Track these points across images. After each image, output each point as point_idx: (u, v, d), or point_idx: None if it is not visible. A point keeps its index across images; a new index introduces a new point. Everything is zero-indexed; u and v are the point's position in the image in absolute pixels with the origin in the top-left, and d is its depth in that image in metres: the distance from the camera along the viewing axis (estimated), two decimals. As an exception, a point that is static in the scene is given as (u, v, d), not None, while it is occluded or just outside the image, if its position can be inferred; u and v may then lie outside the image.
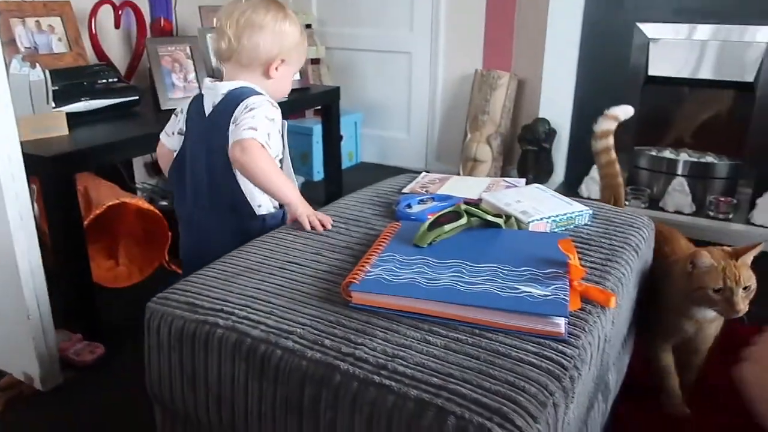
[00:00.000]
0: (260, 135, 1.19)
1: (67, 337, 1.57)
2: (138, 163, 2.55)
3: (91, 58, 2.20)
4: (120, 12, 2.24)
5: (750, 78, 2.35)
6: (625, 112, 1.55)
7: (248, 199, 1.26)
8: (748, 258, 1.13)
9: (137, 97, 1.92)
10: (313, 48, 3.03)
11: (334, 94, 2.45)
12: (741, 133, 2.47)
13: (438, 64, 3.01)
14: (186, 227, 1.37)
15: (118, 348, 1.59)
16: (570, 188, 2.68)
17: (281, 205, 1.30)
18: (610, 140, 1.54)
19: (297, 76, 1.45)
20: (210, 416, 0.90)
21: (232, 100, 1.23)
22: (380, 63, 3.16)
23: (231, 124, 1.21)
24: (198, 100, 1.29)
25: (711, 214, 2.41)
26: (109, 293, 1.85)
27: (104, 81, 1.87)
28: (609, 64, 2.59)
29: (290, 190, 1.24)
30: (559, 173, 2.81)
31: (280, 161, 1.30)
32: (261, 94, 1.26)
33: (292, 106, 2.36)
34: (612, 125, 1.54)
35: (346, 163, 3.20)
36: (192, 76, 2.06)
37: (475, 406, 0.69)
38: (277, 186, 1.22)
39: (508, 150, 2.95)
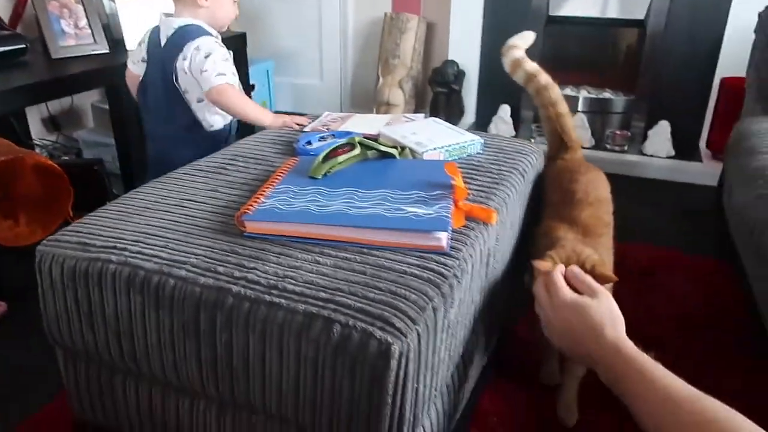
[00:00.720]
0: (229, 77, 1.45)
1: (-34, 297, 1.51)
2: (34, 119, 2.42)
3: (-30, 5, 2.04)
4: (-2, -46, 2.08)
5: (641, 16, 2.47)
6: (522, 38, 1.44)
7: (201, 120, 1.52)
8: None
9: (24, 46, 1.81)
10: (218, -7, 2.92)
11: (239, 40, 2.39)
12: (634, 70, 2.61)
13: (347, 8, 2.98)
14: (150, 142, 1.63)
15: (22, 304, 1.55)
16: (481, 128, 2.77)
17: (231, 123, 1.59)
18: (528, 67, 1.38)
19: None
20: (111, 351, 0.91)
21: (180, 38, 1.44)
22: (289, 8, 3.09)
23: (181, 59, 1.43)
24: (156, 31, 1.50)
25: (608, 147, 2.56)
26: (12, 253, 1.79)
27: (-16, 29, 1.76)
28: (512, 6, 2.65)
29: (264, 115, 1.51)
30: (470, 114, 2.88)
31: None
32: (207, 32, 1.47)
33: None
34: (517, 53, 1.40)
35: (260, 113, 3.16)
36: (84, 22, 1.95)
37: (360, 314, 0.74)
38: (254, 117, 1.50)
39: (420, 93, 2.99)
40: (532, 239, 1.17)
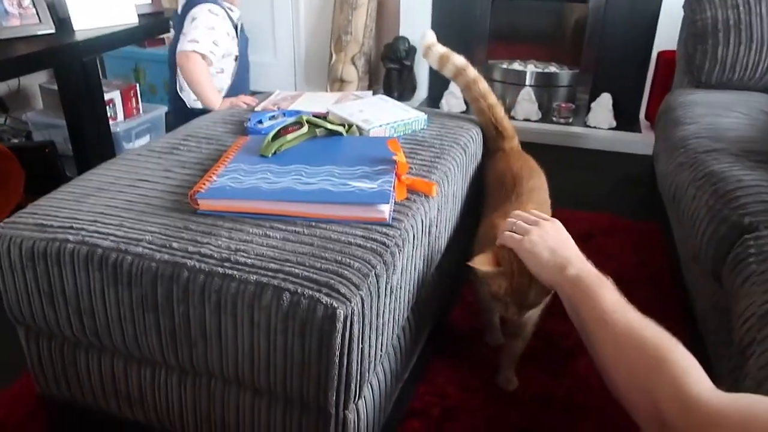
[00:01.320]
0: (202, 46, 1.51)
1: None
2: (-20, 101, 2.37)
3: None
4: (-68, -69, 2.01)
5: (582, -9, 2.56)
6: (432, 35, 1.45)
7: (189, 96, 1.65)
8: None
9: (-35, 27, 1.78)
10: (165, -31, 2.88)
11: (189, 18, 2.38)
12: (578, 44, 2.71)
13: (298, -17, 2.98)
14: None
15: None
16: (433, 103, 2.83)
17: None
18: (457, 61, 1.40)
19: None
20: (73, 328, 0.95)
21: (187, 6, 1.54)
22: (239, -16, 3.07)
23: (186, 27, 1.52)
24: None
25: (554, 119, 2.66)
26: (-37, 237, 1.78)
27: None
28: (461, -19, 2.71)
29: (215, 100, 1.57)
30: (422, 89, 2.94)
31: (235, 59, 1.62)
32: (211, 1, 1.52)
33: (143, 33, 2.27)
34: (441, 49, 1.41)
35: (214, 91, 3.15)
36: (28, 1, 1.92)
37: (308, 282, 0.80)
38: (205, 96, 1.58)
39: (373, 69, 3.03)
40: (474, 237, 1.19)
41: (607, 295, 0.80)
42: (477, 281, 1.13)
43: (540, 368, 1.28)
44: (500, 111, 1.40)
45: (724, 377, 1.01)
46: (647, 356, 0.69)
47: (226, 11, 1.58)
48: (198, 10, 1.51)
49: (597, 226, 1.83)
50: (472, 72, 1.39)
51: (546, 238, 0.92)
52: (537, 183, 1.26)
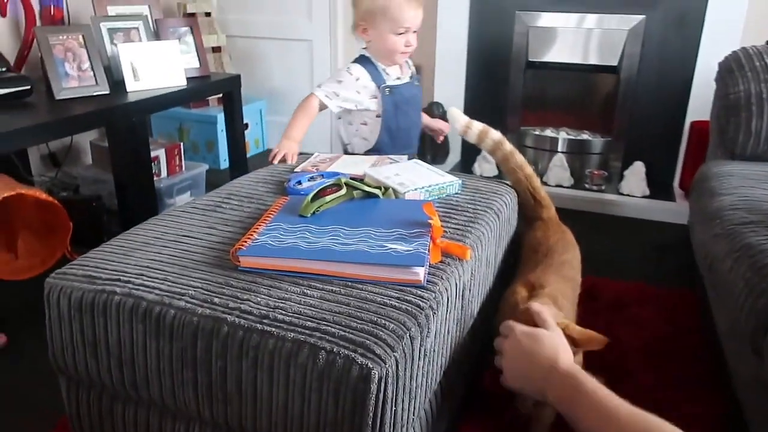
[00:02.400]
0: (321, 90, 1.68)
1: (-34, 328, 1.57)
2: (35, 156, 2.50)
3: (-23, 48, 2.14)
4: (5, 0, 2.19)
5: (614, 62, 2.62)
6: (454, 115, 1.54)
7: (343, 137, 1.79)
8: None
9: (29, 87, 1.90)
10: (214, 36, 3.06)
11: (234, 81, 2.50)
12: (610, 112, 2.75)
13: (338, 51, 3.12)
14: None
15: (22, 335, 1.61)
16: (466, 167, 2.88)
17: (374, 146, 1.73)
18: (495, 135, 1.47)
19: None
20: (113, 379, 0.98)
21: None
22: (282, 51, 3.23)
23: None
24: None
25: (587, 186, 2.68)
26: (11, 285, 1.85)
27: (-8, 71, 1.85)
28: (494, 50, 2.80)
29: (290, 128, 1.68)
30: (455, 153, 3.00)
31: (377, 116, 1.70)
32: (362, 61, 1.68)
33: (191, 95, 2.39)
34: (479, 125, 1.49)
35: (253, 150, 3.26)
36: (87, 65, 2.05)
37: (343, 341, 0.82)
38: (289, 124, 1.69)
39: (407, 133, 3.10)
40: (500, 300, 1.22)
41: (602, 387, 0.82)
42: None
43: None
44: (537, 181, 1.46)
45: (767, 457, 0.97)
46: None
47: (370, 73, 1.68)
48: (343, 68, 1.69)
49: (630, 295, 1.81)
50: (508, 145, 1.48)
51: (521, 346, 0.94)
52: (568, 258, 1.29)
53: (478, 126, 1.50)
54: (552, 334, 0.94)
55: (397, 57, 1.67)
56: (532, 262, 1.28)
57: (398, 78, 1.71)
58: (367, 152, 1.73)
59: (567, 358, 0.90)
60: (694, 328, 1.64)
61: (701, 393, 1.38)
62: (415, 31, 1.64)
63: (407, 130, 1.76)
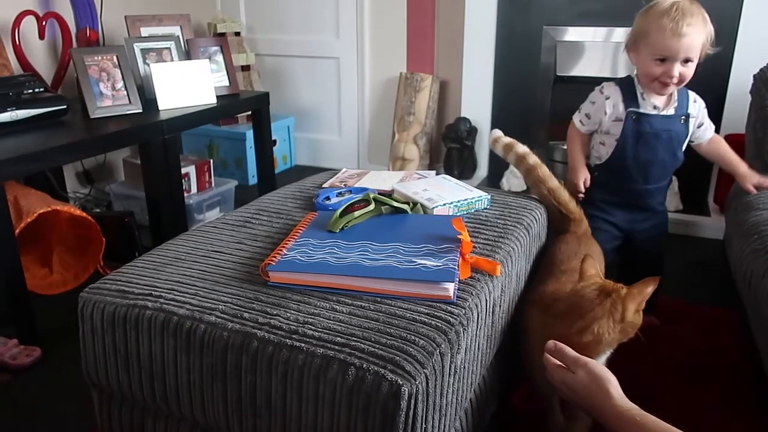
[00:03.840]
0: (577, 115, 1.66)
1: (2, 342, 1.60)
2: (69, 173, 2.57)
3: (16, 69, 2.21)
4: (44, 23, 2.26)
5: (644, 75, 2.58)
6: (495, 135, 1.57)
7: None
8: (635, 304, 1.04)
9: (65, 107, 1.96)
10: (243, 55, 3.11)
11: (263, 99, 2.54)
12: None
13: (365, 68, 3.14)
14: None
15: (56, 350, 1.64)
16: (493, 182, 2.86)
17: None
18: (519, 149, 1.49)
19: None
20: (144, 392, 0.99)
21: None
22: (310, 68, 3.27)
23: None
24: None
25: (617, 200, 2.63)
26: (46, 299, 1.89)
27: (30, 91, 1.91)
28: (522, 65, 2.79)
29: (570, 161, 1.67)
30: (482, 168, 2.98)
31: (616, 140, 1.58)
32: (628, 80, 1.60)
33: (221, 112, 2.43)
34: (507, 139, 1.53)
35: (281, 167, 3.29)
36: (120, 84, 2.11)
37: (373, 357, 0.81)
38: (569, 159, 1.69)
39: (434, 148, 3.11)
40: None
41: (657, 421, 0.81)
42: (531, 366, 1.12)
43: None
44: (564, 194, 1.43)
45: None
46: None
47: (623, 94, 1.57)
48: (597, 87, 1.66)
49: (667, 312, 1.76)
50: (533, 158, 1.47)
51: (566, 393, 0.94)
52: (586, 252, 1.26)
53: (505, 140, 1.52)
54: (578, 378, 0.91)
55: (655, 85, 1.51)
56: (551, 268, 1.28)
57: (655, 108, 1.55)
58: (596, 166, 1.66)
59: (605, 396, 0.87)
60: (734, 346, 1.59)
61: (742, 413, 1.33)
62: (688, 61, 1.47)
63: (645, 165, 1.58)
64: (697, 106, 1.61)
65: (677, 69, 1.46)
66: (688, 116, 1.58)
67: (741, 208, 1.54)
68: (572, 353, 0.94)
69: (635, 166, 1.57)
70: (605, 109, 1.58)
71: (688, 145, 1.63)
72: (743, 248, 1.36)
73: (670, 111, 1.57)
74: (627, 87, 1.57)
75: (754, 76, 1.84)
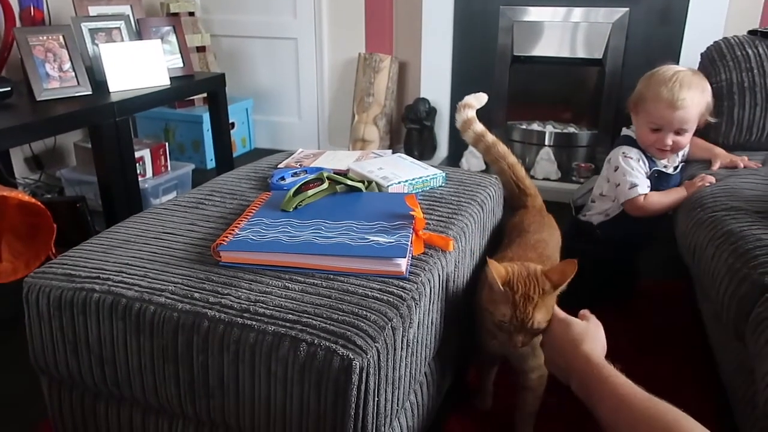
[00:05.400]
0: (635, 187, 1.53)
1: (-52, 332, 1.55)
2: (18, 158, 2.48)
3: (-44, 50, 2.12)
4: (-15, 2, 2.17)
5: (599, 55, 2.63)
6: (477, 98, 1.53)
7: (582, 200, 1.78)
8: (553, 296, 1.01)
9: (9, 89, 1.89)
10: (198, 35, 3.04)
11: (219, 80, 2.49)
12: (596, 105, 2.76)
13: (323, 49, 3.11)
14: None
15: (6, 338, 1.59)
16: (453, 162, 2.88)
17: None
18: (477, 127, 1.48)
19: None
20: (94, 377, 0.97)
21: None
22: (267, 49, 3.22)
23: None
24: None
25: (574, 178, 2.68)
26: (-6, 289, 1.83)
27: (-29, 73, 1.83)
28: (480, 46, 2.80)
29: (678, 194, 1.55)
30: (442, 149, 3.00)
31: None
32: (631, 140, 1.59)
33: (175, 94, 2.38)
34: (469, 113, 1.50)
35: (240, 150, 3.25)
36: (68, 66, 2.04)
37: (324, 333, 0.81)
38: (675, 203, 1.56)
39: (394, 129, 3.10)
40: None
41: (618, 374, 0.84)
42: (481, 314, 1.13)
43: (560, 425, 1.25)
44: (521, 170, 1.46)
45: (751, 441, 0.98)
46: None
47: (640, 155, 1.58)
48: (613, 156, 1.59)
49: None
50: (490, 136, 1.49)
51: (553, 332, 0.99)
52: (544, 236, 1.30)
53: (468, 114, 1.50)
54: (584, 324, 0.96)
55: (653, 151, 1.57)
56: (507, 241, 1.31)
57: (665, 166, 1.60)
58: (601, 223, 1.66)
59: (591, 347, 0.91)
60: (683, 318, 1.65)
61: (689, 382, 1.39)
62: (681, 132, 1.50)
63: (653, 220, 1.61)
64: (686, 151, 1.67)
65: (670, 139, 1.51)
66: (683, 167, 1.66)
67: (686, 183, 1.59)
68: (588, 313, 1.01)
69: (643, 221, 1.60)
70: (642, 170, 1.57)
71: None
72: (688, 221, 1.40)
73: (673, 166, 1.64)
74: (637, 148, 1.59)
75: (702, 54, 1.89)
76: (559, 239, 1.36)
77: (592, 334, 0.94)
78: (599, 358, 0.88)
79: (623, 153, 1.58)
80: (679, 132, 1.51)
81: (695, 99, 1.48)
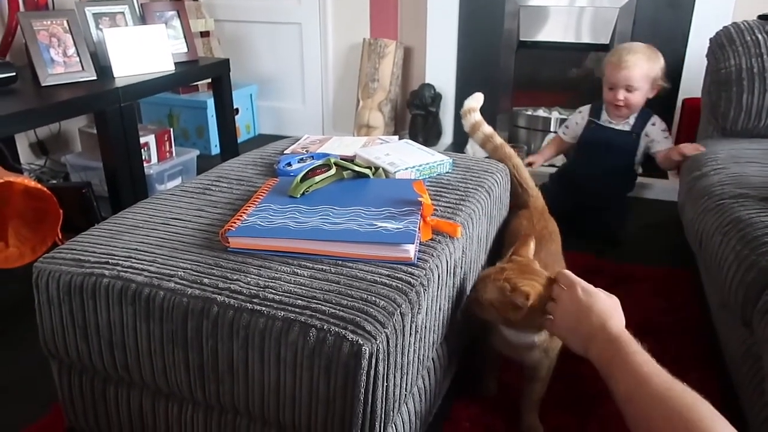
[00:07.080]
0: (560, 129, 2.24)
1: (-43, 317, 1.56)
2: (23, 144, 2.48)
3: (-40, 35, 2.11)
4: (-12, -14, 2.15)
5: (605, 40, 2.61)
6: (475, 99, 1.58)
7: None
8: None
9: (14, 74, 1.88)
10: (202, 20, 3.02)
11: (223, 65, 2.48)
12: (602, 91, 2.73)
13: (327, 35, 3.09)
14: None
15: (15, 323, 1.60)
16: (458, 149, 2.87)
17: None
18: (486, 129, 1.55)
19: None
20: (104, 361, 0.98)
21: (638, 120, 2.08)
22: (271, 35, 3.20)
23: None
24: None
25: (579, 165, 2.67)
26: (2, 273, 1.84)
27: (-24, 58, 1.82)
28: (485, 31, 2.78)
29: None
30: (447, 135, 2.99)
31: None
32: (599, 102, 2.10)
33: (179, 80, 2.37)
34: (476, 117, 1.56)
35: (244, 136, 3.24)
36: (72, 50, 2.03)
37: (334, 319, 0.81)
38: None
39: (399, 115, 3.09)
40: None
41: (643, 352, 0.85)
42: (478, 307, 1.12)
43: (566, 411, 1.25)
44: (525, 171, 1.53)
45: (757, 429, 0.98)
46: (681, 419, 0.72)
47: (594, 110, 2.10)
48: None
49: (624, 273, 1.81)
50: (498, 139, 1.55)
51: (578, 300, 0.96)
52: (552, 249, 1.32)
53: (476, 117, 1.57)
54: (611, 297, 0.96)
55: (610, 107, 2.01)
56: (507, 245, 1.32)
57: (610, 122, 2.04)
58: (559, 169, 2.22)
59: (618, 321, 0.91)
60: (688, 305, 1.64)
61: (694, 368, 1.39)
62: (630, 89, 1.92)
63: (597, 165, 2.03)
64: (654, 129, 2.01)
65: (621, 94, 1.94)
66: (639, 134, 2.02)
67: (694, 170, 1.59)
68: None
69: (585, 163, 2.07)
70: (576, 120, 2.14)
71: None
72: (695, 209, 1.40)
73: (620, 127, 2.03)
74: (596, 107, 2.07)
75: (710, 39, 1.87)
76: (560, 248, 1.39)
77: (616, 307, 0.95)
78: (626, 334, 0.88)
79: (581, 108, 2.10)
80: (629, 89, 1.93)
81: (638, 62, 1.91)
